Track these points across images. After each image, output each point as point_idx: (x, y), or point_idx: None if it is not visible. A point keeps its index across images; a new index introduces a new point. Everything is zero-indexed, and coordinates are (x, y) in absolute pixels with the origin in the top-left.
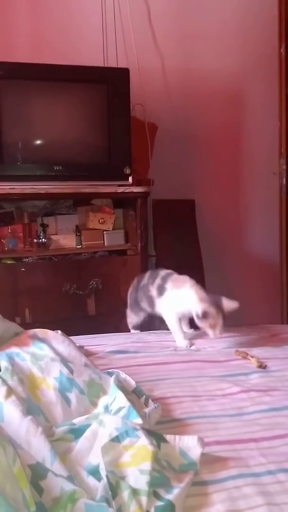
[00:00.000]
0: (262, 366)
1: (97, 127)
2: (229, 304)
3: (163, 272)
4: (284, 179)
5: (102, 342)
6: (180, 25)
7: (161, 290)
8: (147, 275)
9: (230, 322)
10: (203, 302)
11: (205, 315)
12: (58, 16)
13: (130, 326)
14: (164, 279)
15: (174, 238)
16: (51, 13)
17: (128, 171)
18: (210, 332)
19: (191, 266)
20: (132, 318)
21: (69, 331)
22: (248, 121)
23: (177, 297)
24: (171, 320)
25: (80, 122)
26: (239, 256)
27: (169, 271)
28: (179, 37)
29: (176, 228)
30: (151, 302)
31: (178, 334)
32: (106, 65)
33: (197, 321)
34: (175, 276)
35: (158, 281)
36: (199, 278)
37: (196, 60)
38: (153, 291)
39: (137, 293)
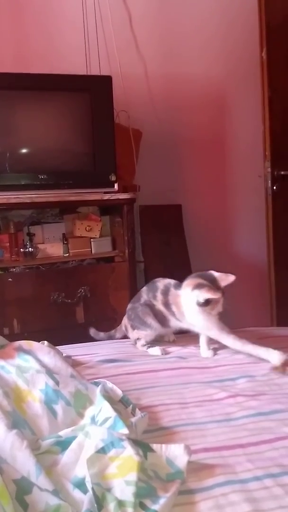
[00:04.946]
0: None
1: (81, 135)
2: (225, 279)
3: (159, 291)
4: (269, 181)
5: (91, 351)
6: (162, 30)
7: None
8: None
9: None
10: (200, 288)
11: (207, 302)
12: (40, 25)
13: (141, 343)
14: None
15: (162, 243)
16: (33, 23)
17: (113, 178)
18: (213, 312)
19: (180, 271)
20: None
21: (58, 340)
22: (233, 125)
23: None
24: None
25: (64, 131)
26: (227, 260)
27: (162, 286)
28: (161, 42)
29: (164, 234)
30: (165, 320)
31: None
32: (89, 73)
33: (198, 309)
34: (172, 291)
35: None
36: None
37: (178, 66)
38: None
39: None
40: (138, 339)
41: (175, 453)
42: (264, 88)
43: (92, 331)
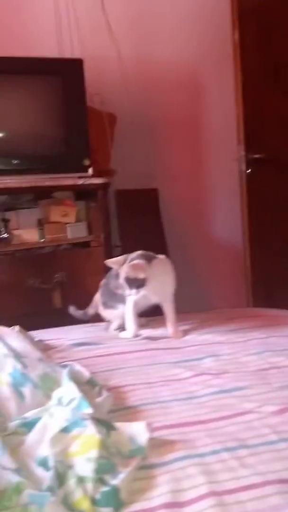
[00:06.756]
0: None
1: (54, 119)
2: None
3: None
4: (244, 165)
5: (63, 335)
6: (134, 12)
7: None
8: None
9: (196, 308)
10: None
11: None
12: (11, 7)
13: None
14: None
15: (139, 228)
16: (4, 5)
17: (87, 162)
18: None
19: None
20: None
21: (35, 326)
22: (207, 107)
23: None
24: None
25: (36, 115)
26: (204, 243)
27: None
28: (133, 24)
29: (140, 218)
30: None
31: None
32: (60, 55)
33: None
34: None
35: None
36: None
37: (151, 47)
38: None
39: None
40: (109, 321)
41: (137, 431)
42: (236, 71)
43: (71, 309)
